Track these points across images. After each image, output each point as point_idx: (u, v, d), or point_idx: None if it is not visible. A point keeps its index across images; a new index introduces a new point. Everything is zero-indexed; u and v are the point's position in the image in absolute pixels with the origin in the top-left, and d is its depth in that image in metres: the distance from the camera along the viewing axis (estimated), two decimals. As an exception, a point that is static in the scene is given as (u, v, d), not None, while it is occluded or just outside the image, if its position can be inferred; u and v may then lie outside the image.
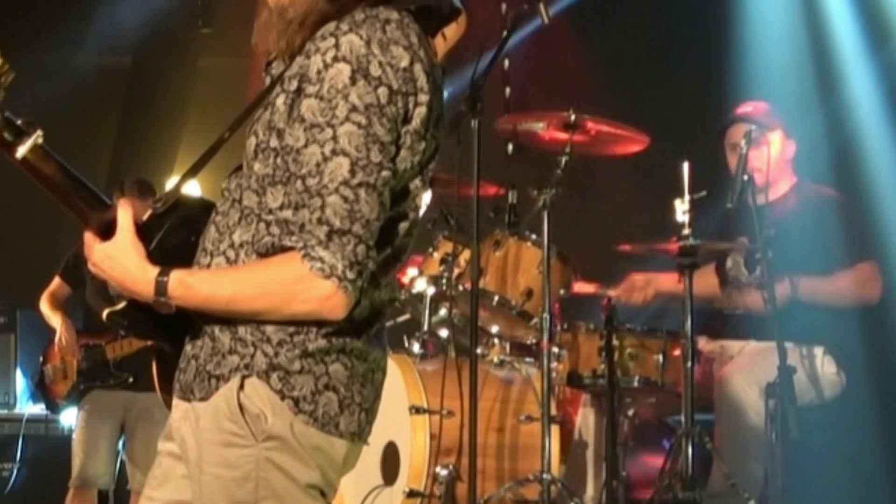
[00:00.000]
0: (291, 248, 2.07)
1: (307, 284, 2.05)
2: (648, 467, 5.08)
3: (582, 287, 5.32)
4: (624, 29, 6.80)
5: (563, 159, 4.88)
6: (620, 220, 6.36)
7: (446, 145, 4.71)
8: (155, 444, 2.28)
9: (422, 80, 2.12)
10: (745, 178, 4.68)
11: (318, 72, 2.07)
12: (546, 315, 4.74)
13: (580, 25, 6.76)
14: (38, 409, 6.98)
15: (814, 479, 4.79)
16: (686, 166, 4.73)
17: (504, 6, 4.88)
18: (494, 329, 5.30)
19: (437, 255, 5.17)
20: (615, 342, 4.84)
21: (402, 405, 4.88)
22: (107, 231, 2.19)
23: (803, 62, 6.17)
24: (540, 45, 6.39)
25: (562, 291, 5.10)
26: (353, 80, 2.05)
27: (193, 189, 8.07)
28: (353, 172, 2.04)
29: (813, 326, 4.99)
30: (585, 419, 5.20)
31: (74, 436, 6.19)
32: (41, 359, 6.45)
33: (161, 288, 2.12)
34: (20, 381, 7.36)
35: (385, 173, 2.08)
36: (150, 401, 5.96)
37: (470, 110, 4.50)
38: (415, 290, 5.20)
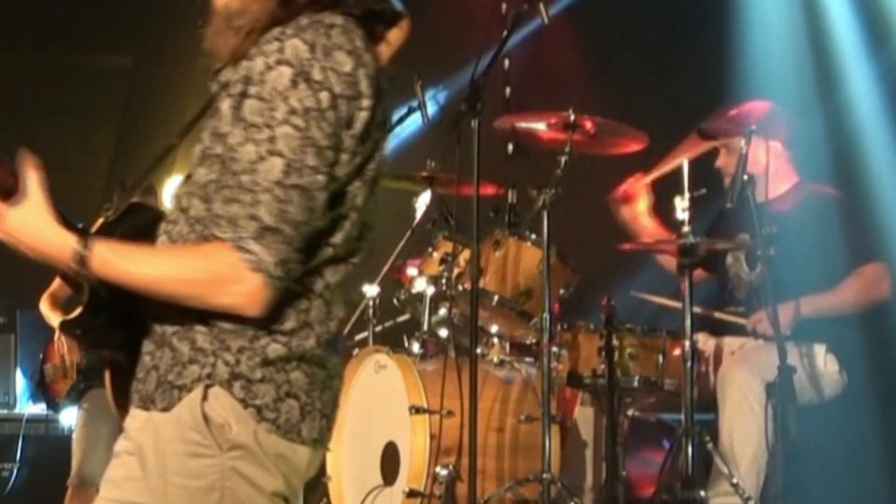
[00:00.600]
0: (221, 240, 2.07)
1: (236, 276, 2.05)
2: (648, 467, 5.08)
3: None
4: (624, 29, 6.79)
5: (563, 159, 4.88)
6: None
7: (446, 145, 4.73)
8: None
9: (365, 85, 2.14)
10: (745, 177, 4.69)
11: (261, 74, 2.09)
12: (546, 315, 4.73)
13: (580, 25, 6.75)
14: (38, 409, 6.98)
15: (814, 479, 4.79)
16: (686, 165, 4.73)
17: (504, 6, 4.87)
18: (494, 329, 5.30)
19: (436, 255, 5.17)
20: (615, 342, 4.84)
21: (402, 405, 4.88)
22: (7, 196, 2.13)
23: (803, 62, 6.16)
24: (540, 45, 6.38)
25: (562, 291, 5.10)
26: (295, 84, 2.07)
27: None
28: (286, 174, 2.06)
29: (814, 325, 4.98)
30: (583, 418, 5.20)
31: (74, 435, 6.19)
32: (41, 358, 6.46)
33: (80, 256, 2.09)
34: (20, 381, 7.36)
35: (320, 178, 2.08)
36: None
37: (470, 110, 4.50)
38: (415, 290, 5.20)
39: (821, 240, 5.04)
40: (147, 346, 2.20)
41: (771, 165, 5.15)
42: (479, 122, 4.52)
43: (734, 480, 4.63)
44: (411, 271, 5.28)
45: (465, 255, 4.96)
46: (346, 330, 5.72)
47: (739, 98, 5.58)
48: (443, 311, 5.21)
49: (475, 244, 4.57)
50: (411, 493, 4.80)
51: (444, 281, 5.04)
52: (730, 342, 5.22)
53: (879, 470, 5.41)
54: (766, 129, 5.03)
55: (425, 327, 5.14)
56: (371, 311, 5.52)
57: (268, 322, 2.11)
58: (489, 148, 4.71)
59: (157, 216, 2.25)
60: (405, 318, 5.61)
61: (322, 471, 5.27)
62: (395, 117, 5.73)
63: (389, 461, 4.96)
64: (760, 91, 5.80)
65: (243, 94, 2.10)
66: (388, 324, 5.63)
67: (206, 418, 2.10)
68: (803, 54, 6.18)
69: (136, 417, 2.20)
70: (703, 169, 5.23)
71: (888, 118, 5.98)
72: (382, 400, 5.04)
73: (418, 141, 6.39)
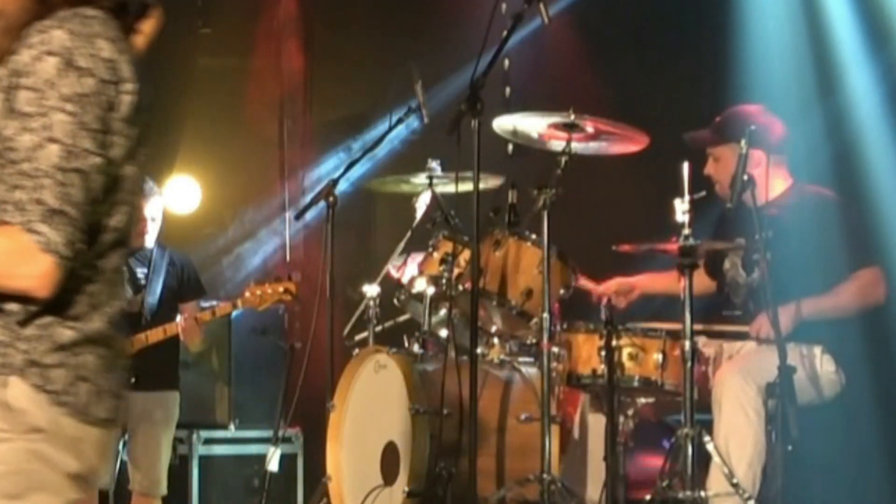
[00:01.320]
0: (10, 224, 2.14)
1: (28, 258, 2.13)
2: (648, 467, 5.08)
3: (584, 282, 5.38)
4: (624, 28, 6.80)
5: (563, 159, 4.88)
6: (620, 220, 6.36)
7: (446, 145, 4.71)
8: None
9: (126, 71, 2.26)
10: (745, 178, 4.69)
11: (29, 65, 2.18)
12: (546, 315, 4.74)
13: (580, 25, 6.76)
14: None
15: (814, 479, 4.79)
16: (686, 166, 4.73)
17: (504, 6, 4.87)
18: (494, 329, 5.30)
19: (437, 255, 5.17)
20: (615, 342, 4.84)
21: (402, 405, 4.88)
22: None
23: (803, 63, 6.17)
24: (540, 45, 6.39)
25: (562, 291, 5.10)
26: (62, 72, 2.17)
27: (194, 190, 8.02)
28: (64, 158, 2.15)
29: (812, 326, 4.99)
30: (584, 419, 5.20)
31: (128, 442, 6.17)
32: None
33: None
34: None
35: (97, 160, 2.19)
36: (150, 401, 5.95)
37: (470, 110, 4.50)
38: (415, 290, 5.20)
39: (818, 243, 5.04)
40: None
41: (764, 169, 5.15)
42: (479, 122, 4.52)
43: (734, 480, 4.63)
44: (411, 269, 5.28)
45: (465, 255, 4.96)
46: (347, 330, 5.72)
47: (739, 99, 5.58)
48: (443, 311, 5.21)
49: (475, 244, 4.57)
50: (411, 493, 4.80)
51: (444, 281, 5.04)
52: (728, 346, 5.22)
53: (878, 470, 5.42)
54: (758, 132, 5.04)
55: (425, 327, 5.14)
56: (371, 311, 5.53)
57: (59, 308, 2.19)
58: (489, 148, 4.72)
59: None
60: (405, 318, 5.61)
61: (322, 471, 5.27)
62: (395, 117, 5.73)
63: (389, 461, 4.96)
64: (760, 91, 5.81)
65: (14, 87, 2.19)
66: (388, 324, 5.63)
67: (4, 405, 2.17)
68: (803, 55, 6.19)
69: None
70: (704, 171, 5.23)
71: (888, 120, 5.98)
72: (382, 400, 5.04)
73: (418, 141, 6.39)
